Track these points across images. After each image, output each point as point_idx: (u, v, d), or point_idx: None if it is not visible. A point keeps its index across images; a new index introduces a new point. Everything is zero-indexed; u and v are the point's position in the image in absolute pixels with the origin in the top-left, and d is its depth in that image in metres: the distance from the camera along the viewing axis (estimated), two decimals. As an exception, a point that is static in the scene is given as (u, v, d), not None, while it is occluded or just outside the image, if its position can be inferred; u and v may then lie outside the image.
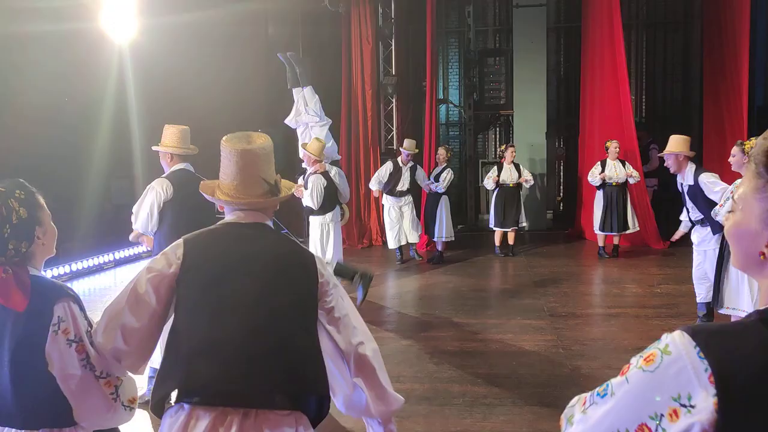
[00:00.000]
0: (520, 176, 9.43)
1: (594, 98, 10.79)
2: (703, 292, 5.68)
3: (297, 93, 7.73)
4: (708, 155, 10.28)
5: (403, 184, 9.07)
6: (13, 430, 1.83)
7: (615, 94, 10.07)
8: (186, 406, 1.79)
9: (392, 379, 4.71)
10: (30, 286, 1.83)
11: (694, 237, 5.68)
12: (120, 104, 8.43)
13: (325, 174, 6.76)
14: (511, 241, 9.54)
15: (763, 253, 0.97)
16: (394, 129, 11.40)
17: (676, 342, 0.93)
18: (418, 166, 9.26)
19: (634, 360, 0.97)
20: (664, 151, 5.68)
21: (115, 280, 8.37)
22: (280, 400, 1.83)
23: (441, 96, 13.18)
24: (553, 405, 4.16)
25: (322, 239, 6.90)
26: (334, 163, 7.24)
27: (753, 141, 4.81)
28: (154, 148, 4.68)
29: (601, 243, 9.23)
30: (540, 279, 8.00)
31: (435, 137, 10.98)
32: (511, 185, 9.44)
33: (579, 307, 6.70)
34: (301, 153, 6.89)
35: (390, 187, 9.08)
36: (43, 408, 1.83)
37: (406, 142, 9.12)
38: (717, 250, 5.31)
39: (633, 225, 9.20)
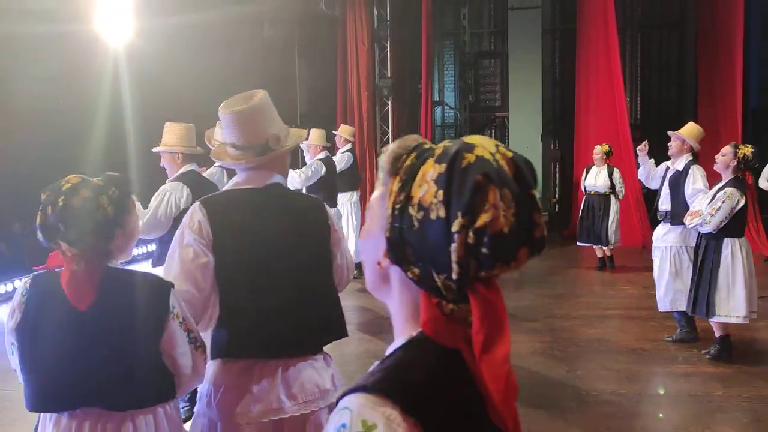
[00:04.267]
0: None
1: (589, 100, 10.83)
2: (678, 298, 5.24)
3: None
4: (702, 156, 10.21)
5: None
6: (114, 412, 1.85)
7: (610, 96, 10.11)
8: (232, 360, 2.01)
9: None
10: (100, 282, 1.84)
11: (659, 231, 5.49)
12: (115, 107, 8.39)
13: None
14: None
15: (380, 263, 0.89)
16: (390, 131, 11.41)
17: (374, 411, 0.78)
18: None
19: None
20: (676, 131, 5.66)
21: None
22: (310, 346, 2.05)
23: (436, 98, 13.18)
24: (549, 406, 4.15)
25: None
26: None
27: (747, 148, 4.79)
28: (155, 149, 3.96)
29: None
30: (535, 280, 7.99)
31: (431, 139, 10.98)
32: None
33: (574, 308, 6.71)
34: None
35: None
36: (151, 387, 1.88)
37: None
38: (674, 248, 5.22)
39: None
